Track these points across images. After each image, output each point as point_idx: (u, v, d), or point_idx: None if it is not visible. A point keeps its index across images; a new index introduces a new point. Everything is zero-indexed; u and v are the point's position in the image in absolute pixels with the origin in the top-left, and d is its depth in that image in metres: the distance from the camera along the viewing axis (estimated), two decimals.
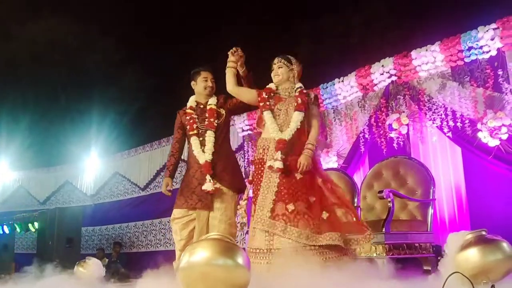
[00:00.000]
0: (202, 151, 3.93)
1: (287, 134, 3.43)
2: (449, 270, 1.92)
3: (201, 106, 4.09)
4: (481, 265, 2.29)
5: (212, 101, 4.07)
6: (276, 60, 3.66)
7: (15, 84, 11.90)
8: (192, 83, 4.14)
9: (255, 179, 3.53)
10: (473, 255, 2.32)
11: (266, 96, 3.60)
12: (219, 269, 2.12)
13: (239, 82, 3.83)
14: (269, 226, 3.27)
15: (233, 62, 3.70)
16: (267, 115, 3.53)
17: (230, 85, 3.69)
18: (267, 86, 3.63)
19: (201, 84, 4.06)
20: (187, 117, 4.05)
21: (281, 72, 3.59)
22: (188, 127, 4.02)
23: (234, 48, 3.74)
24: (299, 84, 3.60)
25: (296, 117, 3.46)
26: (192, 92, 4.21)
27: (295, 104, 3.49)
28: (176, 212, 4.01)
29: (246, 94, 3.70)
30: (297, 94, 3.53)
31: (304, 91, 3.56)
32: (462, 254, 2.33)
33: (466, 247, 2.36)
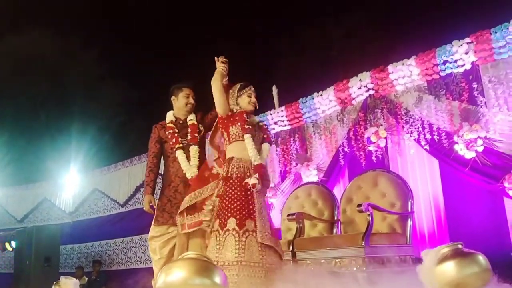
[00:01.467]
0: (189, 164, 3.92)
1: (263, 161, 3.69)
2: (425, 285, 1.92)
3: (180, 122, 4.09)
4: (458, 279, 2.30)
5: (192, 117, 4.07)
6: (252, 89, 3.79)
7: None
8: (173, 98, 4.14)
9: (230, 194, 3.54)
10: (450, 269, 2.34)
11: (248, 120, 3.65)
12: None
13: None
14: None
15: (225, 68, 3.73)
16: (248, 139, 3.63)
17: (217, 81, 3.69)
18: (244, 111, 3.71)
19: (182, 100, 4.07)
20: (169, 131, 4.03)
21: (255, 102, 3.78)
22: (172, 141, 4.00)
23: (224, 58, 3.80)
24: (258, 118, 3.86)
25: (266, 148, 3.79)
26: (170, 107, 4.21)
27: (263, 135, 3.81)
28: (155, 230, 3.96)
29: (220, 98, 3.69)
30: (263, 127, 3.88)
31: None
32: (438, 268, 2.34)
33: (443, 260, 2.38)
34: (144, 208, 3.97)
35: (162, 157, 4.15)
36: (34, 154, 11.90)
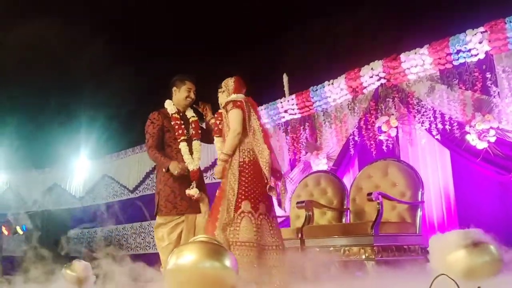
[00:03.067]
0: (191, 157, 4.01)
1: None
2: (436, 272, 1.92)
3: (180, 114, 4.16)
4: (468, 268, 2.29)
5: (193, 113, 4.19)
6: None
7: (1, 86, 11.78)
8: (174, 89, 4.20)
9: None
10: (461, 257, 2.33)
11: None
12: (206, 272, 2.12)
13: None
14: None
15: (217, 175, 3.78)
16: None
17: (233, 134, 3.68)
18: None
19: (183, 93, 4.16)
20: (175, 122, 4.08)
21: None
22: (178, 132, 4.05)
23: (202, 105, 4.10)
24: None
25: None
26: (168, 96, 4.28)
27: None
28: (161, 219, 4.02)
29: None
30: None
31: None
32: (449, 256, 2.33)
33: (454, 249, 2.37)
34: (175, 173, 3.93)
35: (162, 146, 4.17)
36: (44, 139, 11.95)
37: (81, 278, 4.93)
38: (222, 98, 3.90)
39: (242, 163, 3.62)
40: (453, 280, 1.59)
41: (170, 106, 4.17)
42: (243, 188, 3.56)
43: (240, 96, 3.80)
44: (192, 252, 2.14)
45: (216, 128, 3.95)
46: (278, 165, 3.84)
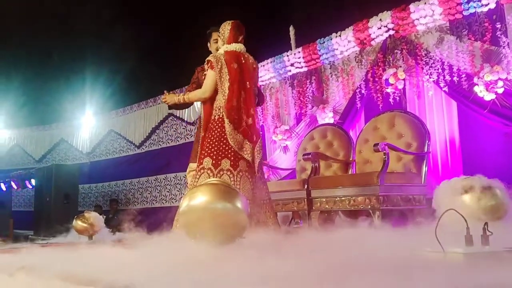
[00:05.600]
0: None
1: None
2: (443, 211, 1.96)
3: None
4: (476, 210, 2.34)
5: None
6: None
7: (5, 43, 11.68)
8: (208, 44, 4.32)
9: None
10: (469, 200, 2.38)
11: None
12: (218, 212, 2.17)
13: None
14: None
15: (170, 101, 3.91)
16: None
17: (201, 92, 3.80)
18: None
19: (213, 45, 4.29)
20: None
21: None
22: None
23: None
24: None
25: None
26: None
27: None
28: (193, 165, 4.14)
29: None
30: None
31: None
32: (457, 199, 2.38)
33: (462, 192, 2.41)
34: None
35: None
36: (49, 95, 11.95)
37: (92, 227, 5.06)
38: (213, 47, 4.05)
39: (212, 121, 3.70)
40: (461, 215, 1.63)
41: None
42: (207, 145, 3.63)
43: (233, 46, 3.74)
44: (204, 194, 2.19)
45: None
46: (252, 131, 3.75)
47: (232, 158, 3.57)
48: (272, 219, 3.67)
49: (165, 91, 3.95)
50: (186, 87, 4.47)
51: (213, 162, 3.55)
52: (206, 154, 3.60)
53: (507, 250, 1.58)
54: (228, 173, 3.52)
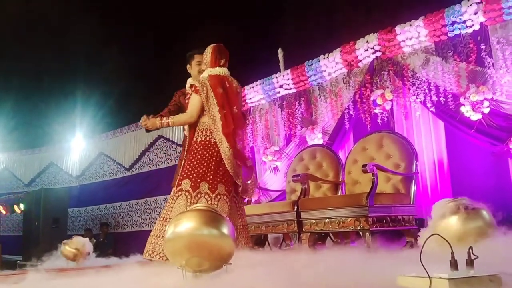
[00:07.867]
0: None
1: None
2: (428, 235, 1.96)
3: None
4: (461, 232, 2.34)
5: None
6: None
7: None
8: (188, 66, 4.28)
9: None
10: (454, 222, 2.38)
11: None
12: (204, 239, 2.15)
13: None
14: None
15: (151, 126, 3.86)
16: None
17: (187, 117, 3.77)
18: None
19: (195, 68, 4.19)
20: (188, 97, 4.10)
21: None
22: None
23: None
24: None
25: None
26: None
27: None
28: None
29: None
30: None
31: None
32: (443, 222, 2.38)
33: (447, 215, 2.41)
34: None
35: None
36: (40, 119, 11.92)
37: (79, 253, 5.00)
38: (195, 70, 4.08)
39: (194, 143, 3.69)
40: (445, 240, 1.63)
41: (188, 84, 4.19)
42: (187, 166, 3.62)
43: (217, 70, 3.73)
44: (190, 220, 2.17)
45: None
46: (243, 155, 3.79)
47: (210, 181, 3.56)
48: (244, 243, 3.63)
49: (144, 116, 3.90)
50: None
51: (192, 184, 3.54)
52: (185, 175, 3.59)
53: (490, 276, 1.58)
54: (206, 196, 3.52)
